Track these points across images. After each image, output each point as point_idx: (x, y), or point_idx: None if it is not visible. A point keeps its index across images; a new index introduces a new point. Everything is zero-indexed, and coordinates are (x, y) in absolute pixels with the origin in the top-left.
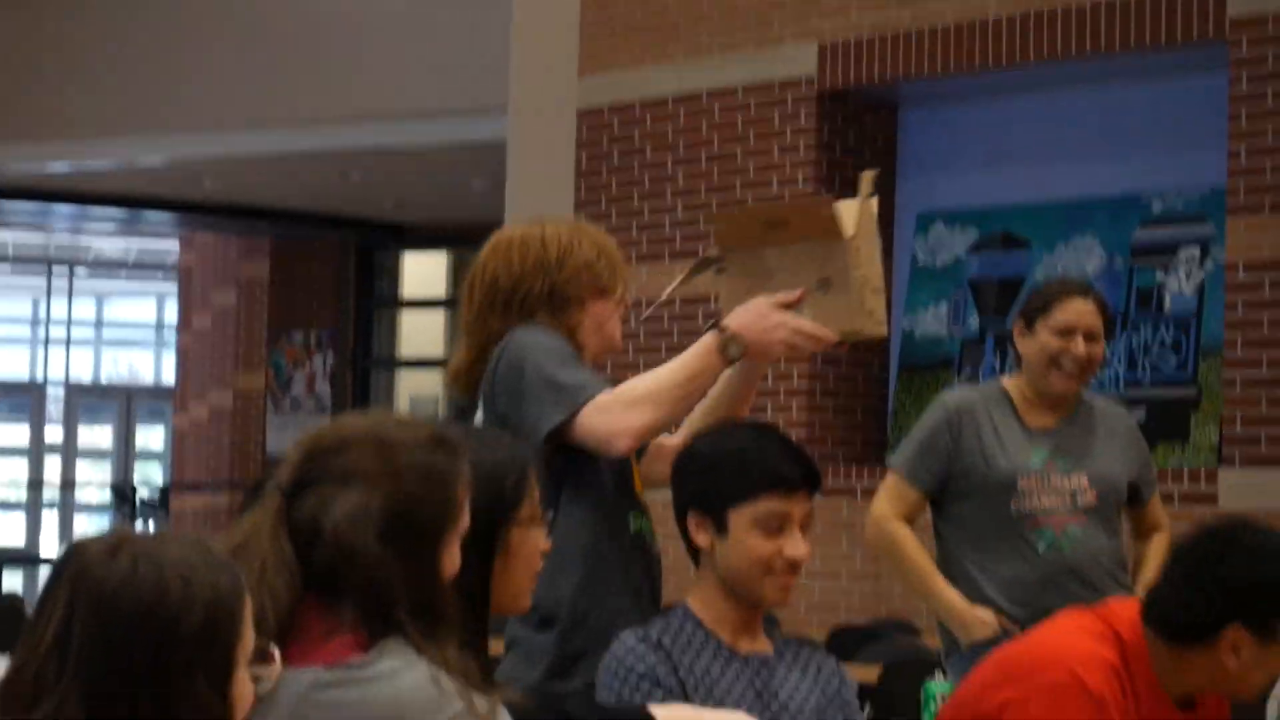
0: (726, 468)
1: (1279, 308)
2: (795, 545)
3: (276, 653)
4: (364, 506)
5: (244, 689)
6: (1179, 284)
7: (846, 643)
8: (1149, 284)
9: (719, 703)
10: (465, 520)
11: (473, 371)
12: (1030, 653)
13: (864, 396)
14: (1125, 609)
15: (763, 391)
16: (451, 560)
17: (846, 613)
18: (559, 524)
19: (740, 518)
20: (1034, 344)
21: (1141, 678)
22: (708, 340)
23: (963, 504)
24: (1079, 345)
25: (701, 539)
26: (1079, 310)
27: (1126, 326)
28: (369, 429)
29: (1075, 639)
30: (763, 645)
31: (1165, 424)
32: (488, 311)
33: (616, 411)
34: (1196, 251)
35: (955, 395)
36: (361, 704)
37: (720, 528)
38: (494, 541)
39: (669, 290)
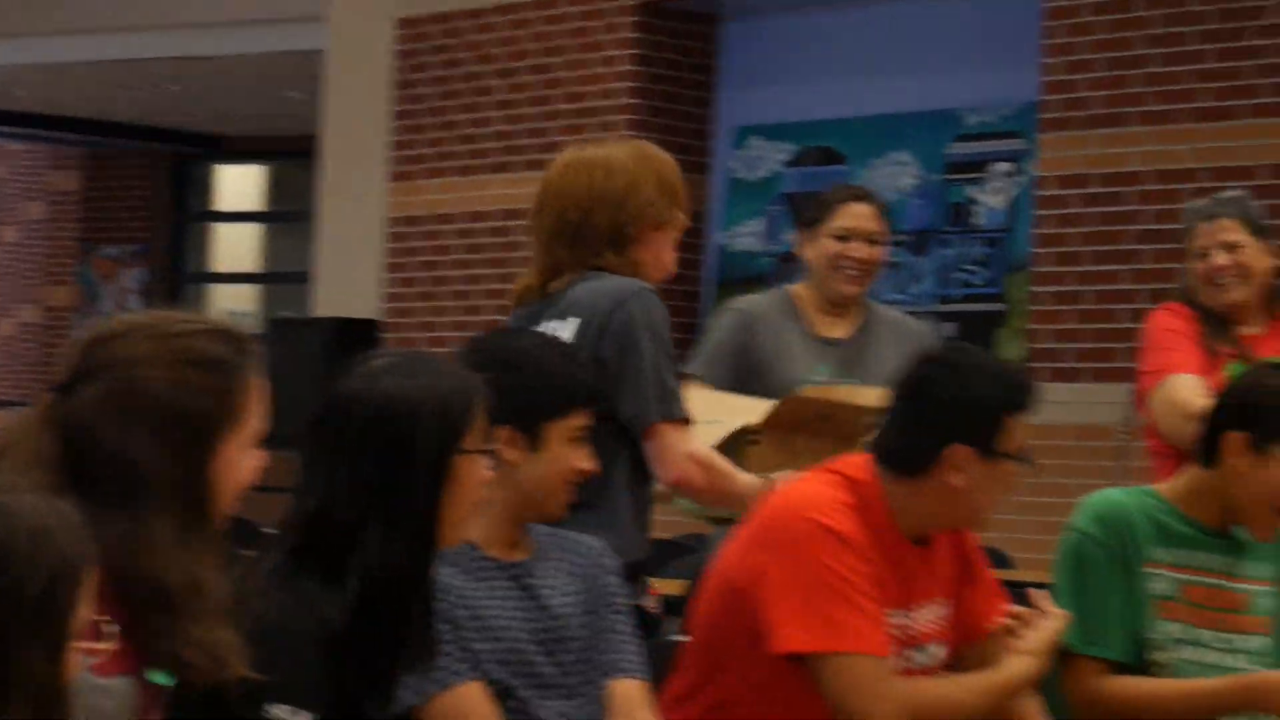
0: (546, 385)
1: (1087, 223)
2: (588, 458)
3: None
4: (130, 391)
5: (75, 662)
6: (990, 199)
7: (656, 557)
8: (960, 199)
9: (487, 618)
10: (254, 424)
11: (534, 293)
12: (771, 517)
13: (679, 313)
14: (855, 458)
15: None
16: (232, 467)
17: (656, 529)
18: (637, 485)
19: (556, 432)
20: (816, 249)
21: (876, 517)
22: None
23: None
24: (859, 248)
25: (511, 454)
26: (857, 214)
27: (936, 242)
28: (147, 319)
29: (808, 491)
30: (524, 551)
31: (973, 338)
32: (554, 241)
33: (685, 453)
34: (1008, 166)
35: (745, 300)
36: None
37: (534, 443)
38: (443, 469)
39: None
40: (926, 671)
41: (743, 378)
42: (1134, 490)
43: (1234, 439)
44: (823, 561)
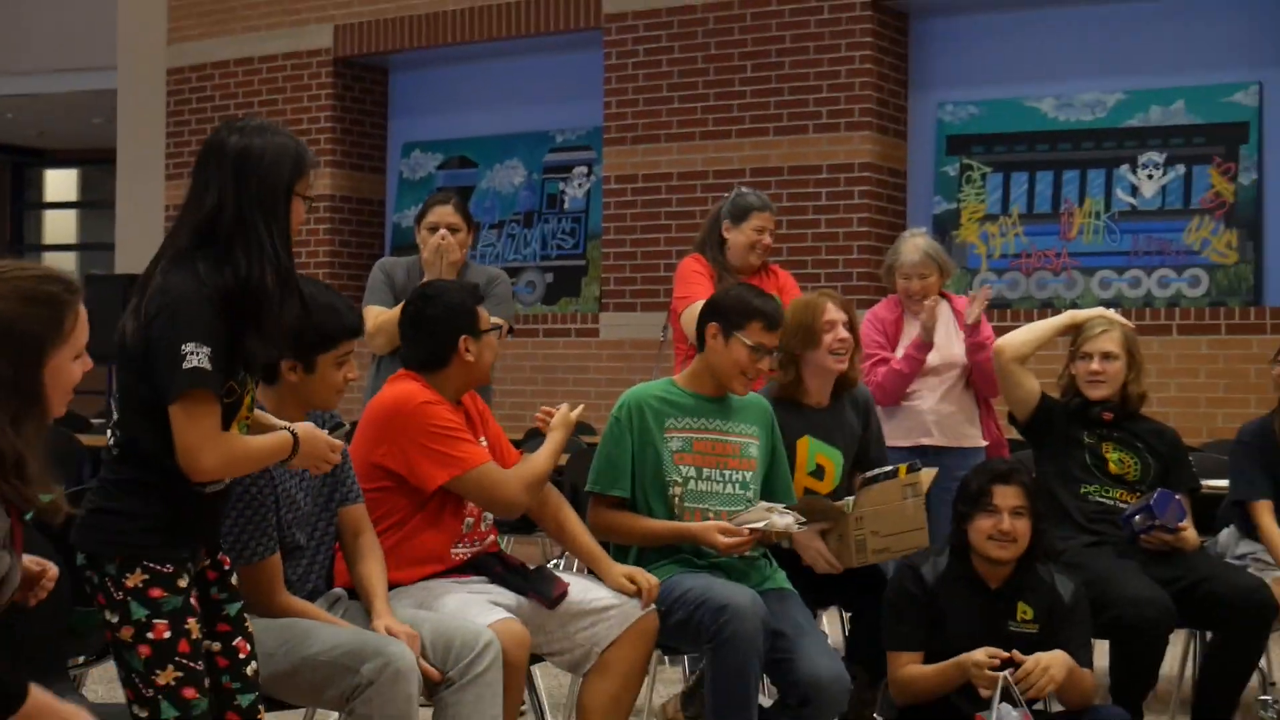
0: (321, 321)
1: (635, 206)
2: (354, 370)
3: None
4: None
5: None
6: (574, 191)
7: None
8: (555, 191)
9: (284, 488)
10: (77, 341)
11: None
12: (380, 411)
13: (367, 269)
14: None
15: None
16: (61, 372)
17: None
18: None
19: (327, 359)
20: (422, 239)
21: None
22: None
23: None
24: (443, 237)
25: (291, 375)
26: (439, 213)
27: (540, 220)
28: (2, 266)
29: (401, 389)
30: None
31: (565, 285)
32: None
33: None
34: (585, 169)
35: (388, 259)
36: None
37: (309, 368)
38: (290, 196)
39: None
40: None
41: (394, 299)
42: (658, 382)
43: (710, 328)
44: (432, 421)
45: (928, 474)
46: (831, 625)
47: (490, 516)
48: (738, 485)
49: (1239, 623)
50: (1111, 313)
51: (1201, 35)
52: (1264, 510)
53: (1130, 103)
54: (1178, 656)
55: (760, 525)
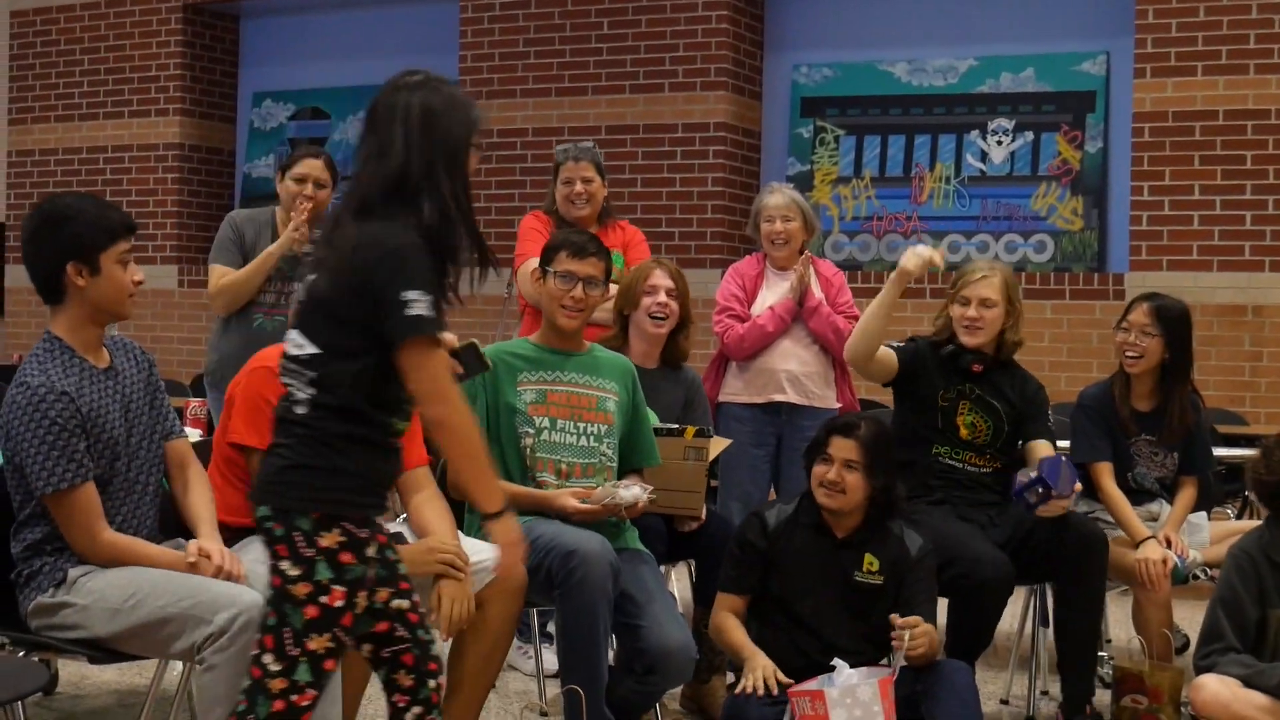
0: (94, 225)
1: (492, 163)
2: (138, 273)
3: None
4: None
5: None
6: None
7: None
8: None
9: (99, 412)
10: None
11: None
12: (246, 364)
13: (216, 219)
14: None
15: (145, 214)
16: None
17: None
18: None
19: (110, 256)
20: (283, 188)
21: None
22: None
23: None
24: (308, 189)
25: (79, 280)
26: (310, 165)
27: None
28: None
29: (267, 350)
30: (105, 356)
31: None
32: None
33: None
34: None
35: (238, 211)
36: None
37: (94, 270)
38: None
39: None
40: None
41: (243, 259)
42: (514, 341)
43: (534, 274)
44: (263, 391)
45: (718, 443)
46: (681, 583)
47: None
48: (592, 438)
49: (1074, 561)
50: (930, 251)
51: (1052, 4)
52: (1104, 472)
53: (981, 69)
54: (1016, 614)
55: (608, 500)
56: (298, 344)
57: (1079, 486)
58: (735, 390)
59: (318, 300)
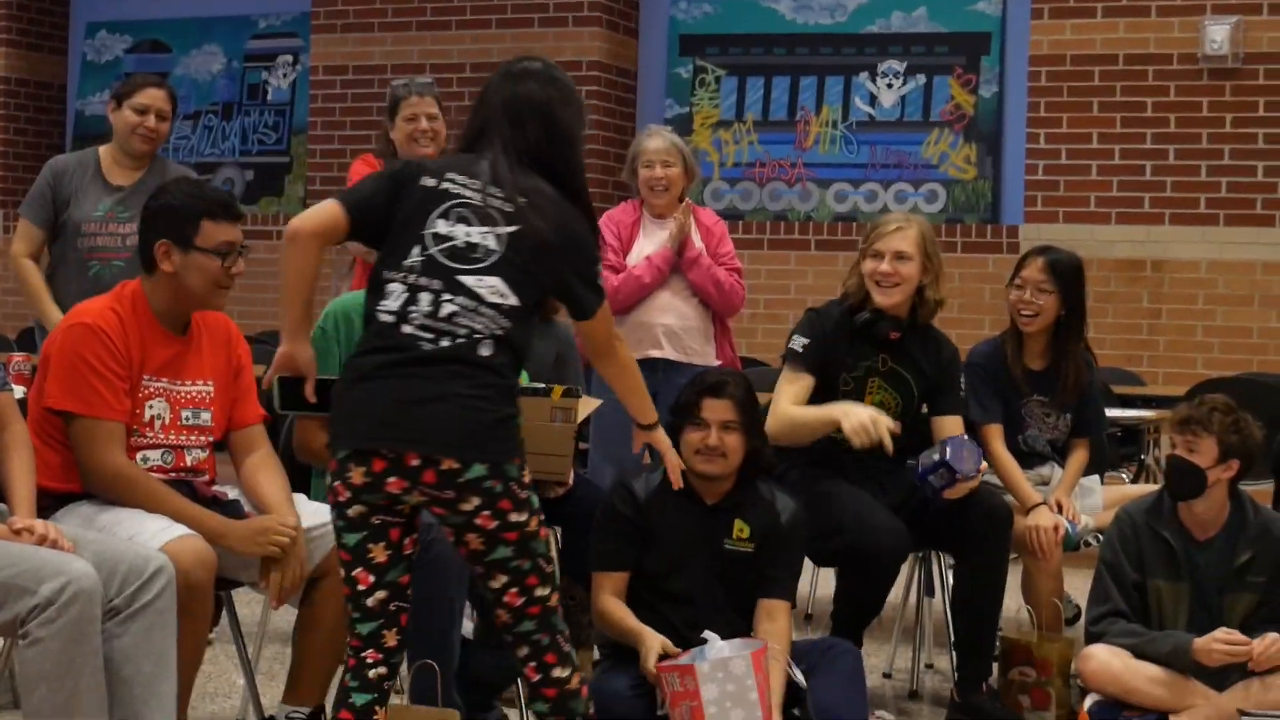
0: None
1: (345, 100)
2: None
3: None
4: None
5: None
6: (278, 81)
7: None
8: (257, 80)
9: None
10: None
11: None
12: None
13: (45, 159)
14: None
15: None
16: None
17: None
18: None
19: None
20: (119, 117)
21: (137, 315)
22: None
23: (56, 239)
24: (150, 121)
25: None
26: (152, 95)
27: (240, 112)
28: None
29: (87, 303)
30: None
31: (268, 183)
32: None
33: None
34: (290, 58)
35: (59, 157)
36: None
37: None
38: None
39: None
40: (199, 430)
41: (54, 214)
42: (361, 293)
43: None
44: (80, 350)
45: (587, 403)
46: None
47: (200, 443)
48: None
49: (977, 536)
50: (881, 428)
51: None
52: (994, 435)
53: (871, 8)
54: (901, 583)
55: None
56: (500, 292)
57: (985, 466)
58: None
59: (533, 255)
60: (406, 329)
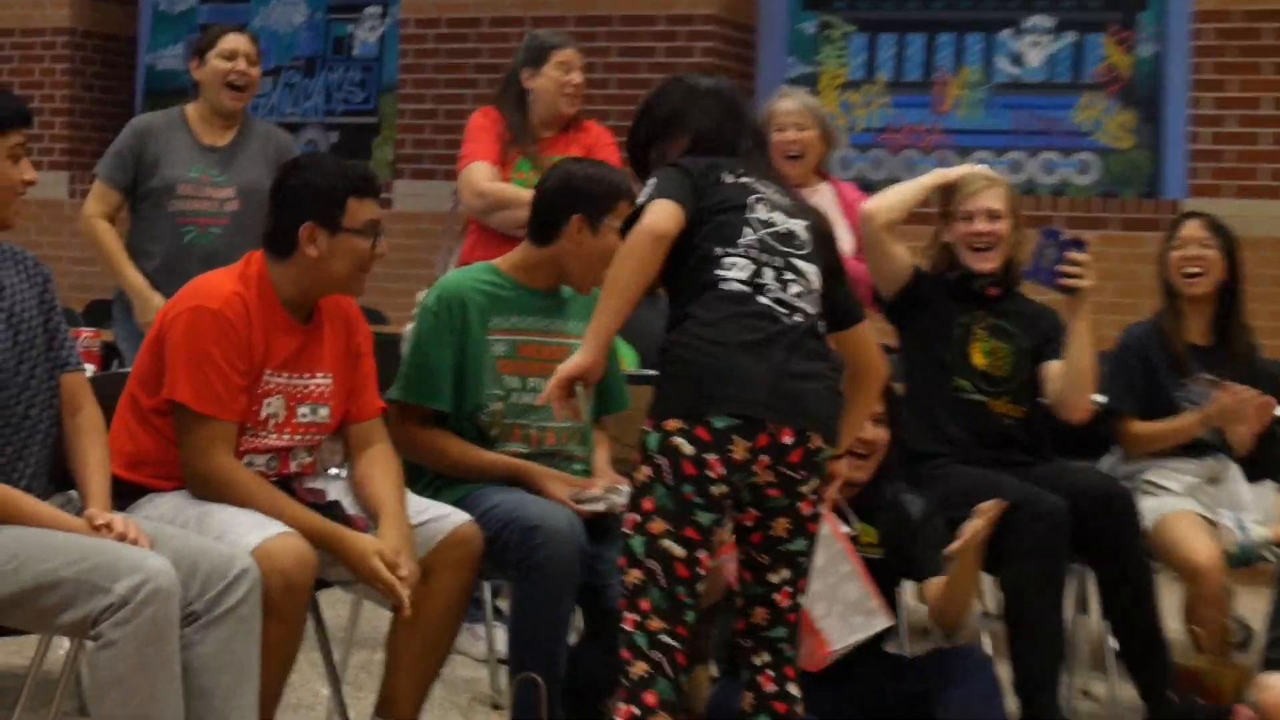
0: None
1: (438, 55)
2: (30, 171)
3: None
4: None
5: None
6: (365, 34)
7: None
8: (342, 33)
9: None
10: None
11: None
12: (178, 298)
13: (114, 116)
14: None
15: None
16: None
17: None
18: None
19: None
20: (207, 70)
21: (264, 302)
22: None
23: (142, 202)
24: (240, 64)
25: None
26: (236, 40)
27: (323, 67)
28: None
29: (210, 279)
30: None
31: (353, 145)
32: None
33: None
34: (379, 9)
35: (143, 116)
36: None
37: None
38: None
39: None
40: (315, 427)
41: (140, 177)
42: (477, 267)
43: (574, 221)
44: (203, 341)
45: None
46: None
47: (310, 443)
48: None
49: (1106, 528)
50: (988, 169)
51: None
52: (1133, 423)
53: None
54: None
55: (602, 509)
56: (816, 279)
57: (1088, 238)
58: None
59: (824, 246)
60: (763, 300)
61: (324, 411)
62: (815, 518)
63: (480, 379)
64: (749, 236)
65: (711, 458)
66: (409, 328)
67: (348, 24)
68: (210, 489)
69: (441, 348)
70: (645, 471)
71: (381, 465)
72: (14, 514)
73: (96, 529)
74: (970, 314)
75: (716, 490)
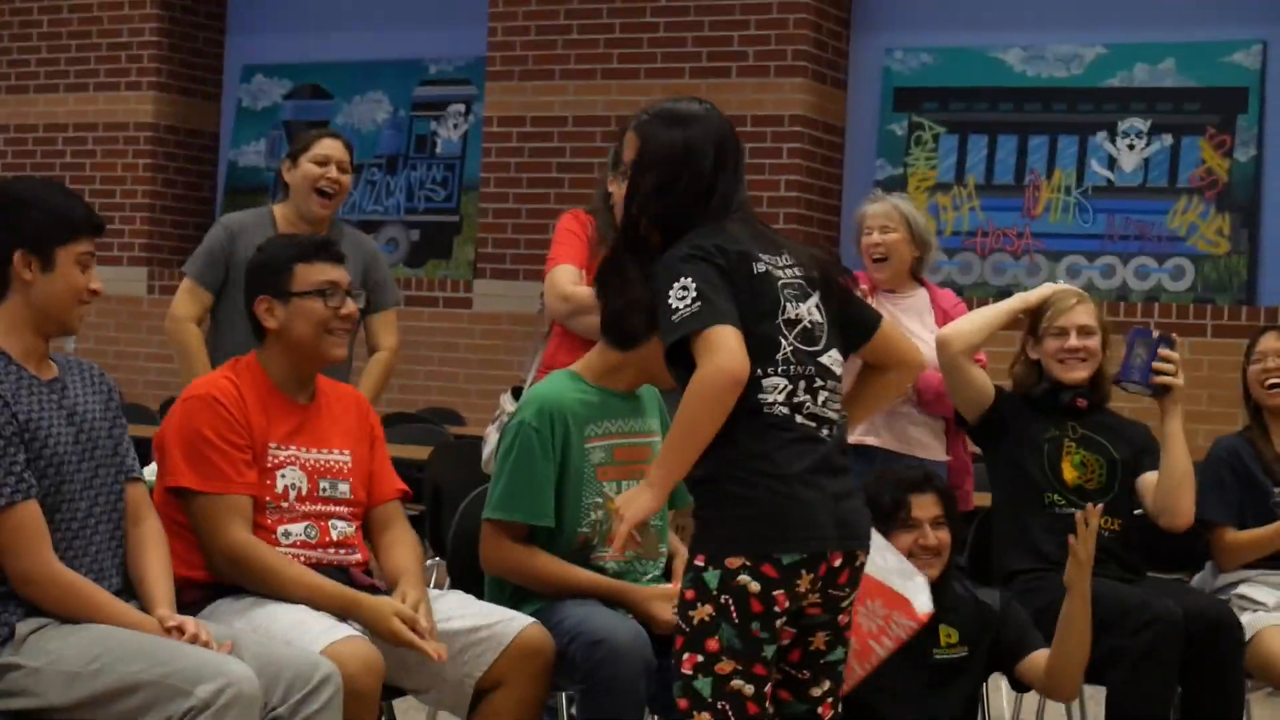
0: (56, 214)
1: (522, 154)
2: (97, 281)
3: None
4: None
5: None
6: (448, 132)
7: None
8: (425, 131)
9: (38, 424)
10: None
11: None
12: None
13: (194, 213)
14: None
15: (110, 205)
16: None
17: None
18: None
19: (66, 255)
20: (298, 174)
21: (256, 384)
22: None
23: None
24: (332, 172)
25: (26, 273)
26: (330, 147)
27: (406, 165)
28: None
29: (203, 378)
30: (51, 370)
31: (435, 244)
32: None
33: None
34: (462, 107)
35: (232, 216)
36: None
37: (46, 264)
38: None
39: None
40: (341, 502)
41: (225, 275)
42: (563, 376)
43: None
44: (195, 424)
45: None
46: None
47: (344, 514)
48: None
49: (1203, 648)
50: (1070, 287)
51: None
52: (1228, 533)
53: (1111, 59)
54: None
55: None
56: (839, 361)
57: (1177, 338)
58: None
59: (838, 307)
60: (800, 420)
61: (344, 487)
62: (850, 625)
63: (580, 491)
64: (784, 348)
65: (779, 594)
66: (492, 436)
67: (431, 121)
68: (231, 565)
69: (546, 463)
70: (707, 610)
71: (402, 542)
72: (92, 606)
73: (168, 630)
74: (1060, 427)
75: (780, 624)
